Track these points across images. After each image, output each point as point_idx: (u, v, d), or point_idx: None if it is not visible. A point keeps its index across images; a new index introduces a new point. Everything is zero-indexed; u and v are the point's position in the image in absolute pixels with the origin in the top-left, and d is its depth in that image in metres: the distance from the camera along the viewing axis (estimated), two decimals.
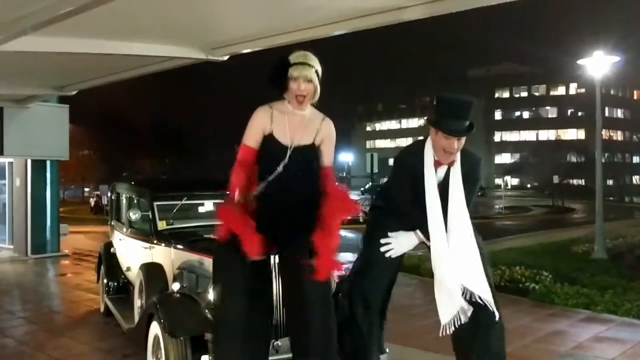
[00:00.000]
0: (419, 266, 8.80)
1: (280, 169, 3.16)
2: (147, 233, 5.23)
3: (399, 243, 3.49)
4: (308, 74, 3.14)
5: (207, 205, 5.48)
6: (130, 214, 5.22)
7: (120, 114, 50.29)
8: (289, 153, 3.17)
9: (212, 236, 4.98)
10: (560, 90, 71.17)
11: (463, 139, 3.30)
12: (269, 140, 3.21)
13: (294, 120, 3.23)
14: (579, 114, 66.51)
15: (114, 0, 4.13)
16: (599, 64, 11.55)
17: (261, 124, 3.22)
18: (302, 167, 3.21)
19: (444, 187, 3.40)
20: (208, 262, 4.31)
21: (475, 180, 3.50)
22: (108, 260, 6.33)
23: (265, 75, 3.23)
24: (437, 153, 3.37)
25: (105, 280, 6.21)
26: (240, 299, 3.14)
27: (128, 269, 5.78)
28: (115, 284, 6.13)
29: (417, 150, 3.46)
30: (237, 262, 3.15)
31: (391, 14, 5.21)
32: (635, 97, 72.39)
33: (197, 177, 10.51)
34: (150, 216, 5.13)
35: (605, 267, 9.61)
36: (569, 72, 57.20)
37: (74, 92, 9.01)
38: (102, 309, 6.41)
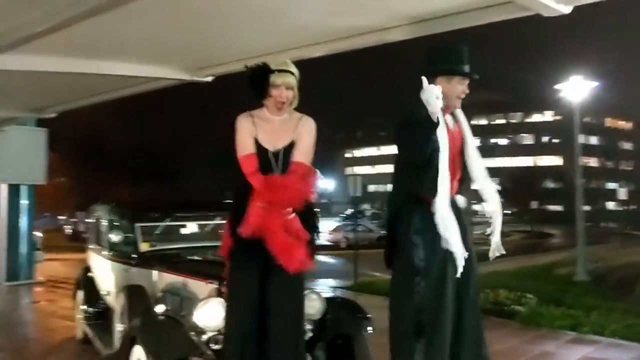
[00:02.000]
0: None
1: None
2: (128, 255, 5.09)
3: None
4: (290, 81, 3.22)
5: (190, 227, 5.38)
6: (112, 236, 5.09)
7: (97, 139, 49.80)
8: (273, 157, 3.26)
9: (195, 258, 4.92)
10: (537, 117, 72.53)
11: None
12: (255, 145, 3.26)
13: (273, 126, 3.30)
14: (555, 140, 67.74)
15: (95, 17, 4.06)
16: (576, 88, 11.76)
17: (247, 130, 3.27)
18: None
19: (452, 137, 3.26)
20: (192, 283, 4.21)
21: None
22: (86, 285, 6.13)
23: (247, 80, 3.27)
24: (451, 101, 3.27)
25: (83, 306, 6.02)
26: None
27: (108, 293, 5.60)
28: (94, 309, 5.93)
29: (417, 107, 3.11)
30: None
31: (375, 35, 5.23)
32: (607, 124, 74.01)
33: (179, 199, 10.41)
34: (133, 238, 5.00)
35: (588, 289, 9.66)
36: (546, 99, 58.41)
37: (53, 115, 8.84)
38: (78, 336, 6.19)
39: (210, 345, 3.75)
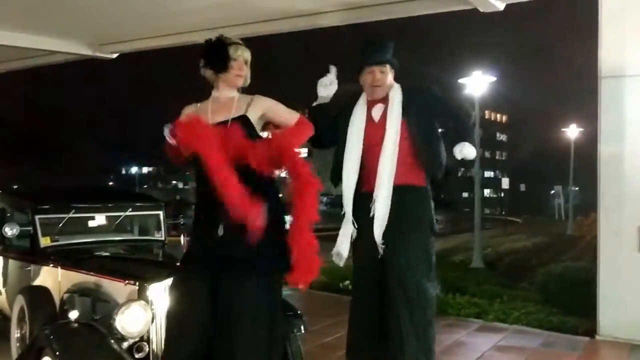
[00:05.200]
0: None
1: None
2: (26, 251, 4.53)
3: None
4: (247, 55, 3.01)
5: (98, 219, 4.89)
6: (6, 229, 4.49)
7: None
8: None
9: (107, 254, 4.47)
10: None
11: (388, 73, 3.38)
12: None
13: (218, 103, 2.99)
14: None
15: None
16: (477, 83, 12.27)
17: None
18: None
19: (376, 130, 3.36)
20: (108, 284, 3.81)
21: (437, 96, 3.44)
22: None
23: (203, 54, 3.00)
24: (367, 91, 3.43)
25: None
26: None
27: None
28: None
29: (354, 92, 3.52)
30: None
31: (306, 19, 5.05)
32: (486, 117, 78.99)
33: (86, 187, 9.53)
34: (32, 231, 4.45)
35: (485, 276, 10.13)
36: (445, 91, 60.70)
37: None
38: None
39: (133, 353, 3.42)
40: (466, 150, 3.33)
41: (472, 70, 12.43)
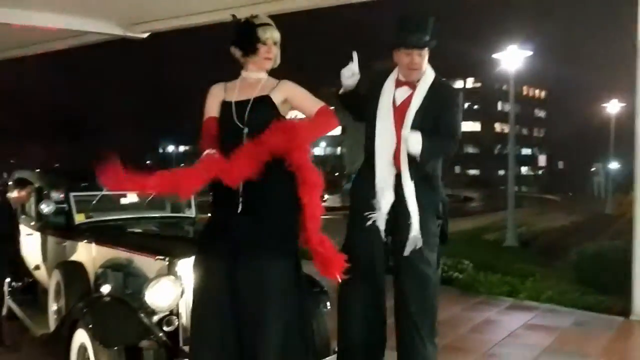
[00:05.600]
0: None
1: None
2: (62, 228, 4.66)
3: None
4: (276, 36, 2.96)
5: (130, 197, 4.99)
6: (42, 206, 4.63)
7: (8, 95, 46.55)
8: (235, 108, 2.90)
9: (139, 230, 4.57)
10: (458, 84, 74.40)
11: (426, 55, 3.22)
12: (220, 105, 2.97)
13: (245, 83, 2.98)
14: (475, 107, 69.91)
15: None
16: (512, 57, 11.95)
17: (216, 95, 3.00)
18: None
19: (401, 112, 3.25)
20: (139, 259, 3.90)
21: (452, 105, 3.27)
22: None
23: (232, 37, 2.97)
24: (403, 72, 3.28)
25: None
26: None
27: (37, 267, 5.16)
28: (20, 284, 5.47)
29: (386, 70, 3.37)
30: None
31: (278, 3, 5.01)
32: (524, 93, 77.17)
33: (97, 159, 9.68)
34: (67, 208, 4.58)
35: (519, 255, 10.00)
36: (466, 66, 59.70)
37: None
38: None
39: (162, 327, 3.50)
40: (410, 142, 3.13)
41: (507, 44, 12.09)
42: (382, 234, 3.24)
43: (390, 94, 3.30)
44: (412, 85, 3.27)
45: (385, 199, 3.21)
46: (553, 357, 4.76)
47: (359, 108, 3.42)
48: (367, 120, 3.36)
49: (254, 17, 3.00)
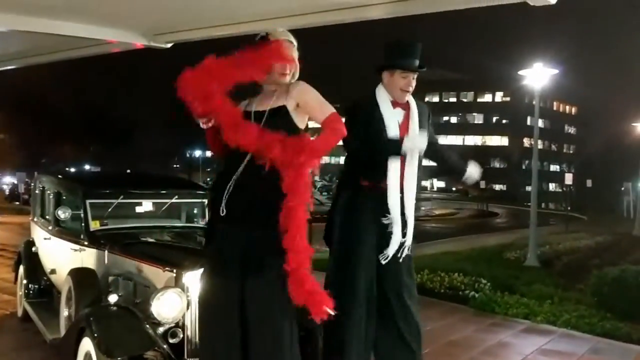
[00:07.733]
0: None
1: None
2: (77, 233, 4.73)
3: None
4: (294, 54, 2.97)
5: (146, 205, 5.05)
6: (59, 212, 4.70)
7: (41, 96, 47.51)
8: (254, 117, 2.87)
9: (151, 240, 4.61)
10: (487, 98, 73.73)
11: (415, 78, 3.48)
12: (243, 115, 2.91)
13: (264, 93, 2.99)
14: (503, 121, 69.22)
15: None
16: (538, 75, 11.82)
17: (241, 104, 3.02)
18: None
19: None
20: (148, 269, 3.93)
21: (430, 121, 3.69)
22: (29, 260, 5.74)
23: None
24: (395, 93, 3.47)
25: (24, 282, 5.63)
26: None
27: (53, 271, 5.24)
28: (37, 286, 5.57)
29: (369, 98, 3.53)
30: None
31: (354, 11, 4.98)
32: (554, 108, 76.07)
33: (135, 173, 9.73)
34: (82, 215, 4.65)
35: (539, 275, 9.81)
36: (496, 80, 59.08)
37: None
38: (19, 313, 5.82)
39: (167, 339, 3.53)
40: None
41: (533, 62, 11.98)
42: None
43: (394, 117, 3.47)
44: (404, 106, 3.51)
45: (397, 226, 3.44)
46: None
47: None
48: (369, 146, 3.43)
49: (271, 34, 2.98)
